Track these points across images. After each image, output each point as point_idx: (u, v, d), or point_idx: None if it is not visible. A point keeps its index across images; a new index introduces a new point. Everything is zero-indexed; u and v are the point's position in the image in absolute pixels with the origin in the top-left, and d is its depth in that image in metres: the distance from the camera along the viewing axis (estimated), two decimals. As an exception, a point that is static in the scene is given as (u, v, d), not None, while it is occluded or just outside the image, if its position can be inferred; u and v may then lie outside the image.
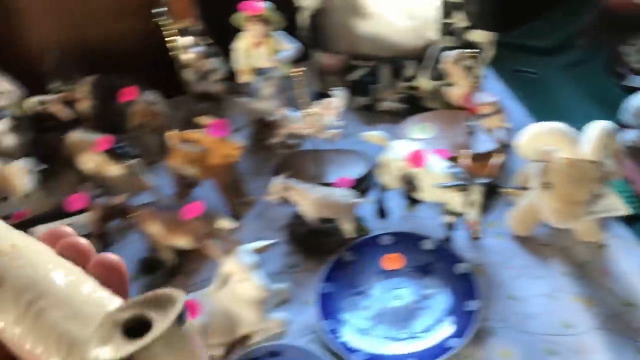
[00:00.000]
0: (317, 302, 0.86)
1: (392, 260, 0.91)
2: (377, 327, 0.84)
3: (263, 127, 1.13)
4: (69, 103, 1.11)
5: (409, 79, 1.14)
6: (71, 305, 0.24)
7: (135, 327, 0.22)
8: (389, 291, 0.88)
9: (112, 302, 0.25)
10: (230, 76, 1.21)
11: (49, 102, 1.09)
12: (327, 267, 0.90)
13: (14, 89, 1.12)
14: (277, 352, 0.82)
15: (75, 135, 1.08)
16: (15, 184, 1.01)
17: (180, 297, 0.22)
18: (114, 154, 1.03)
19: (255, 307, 0.85)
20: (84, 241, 0.29)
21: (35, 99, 1.10)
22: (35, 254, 0.26)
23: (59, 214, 1.01)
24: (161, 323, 0.21)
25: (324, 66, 1.19)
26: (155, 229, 0.92)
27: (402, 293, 0.87)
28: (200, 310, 0.84)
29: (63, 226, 0.30)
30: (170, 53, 1.17)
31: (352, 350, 0.79)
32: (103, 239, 0.99)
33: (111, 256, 0.29)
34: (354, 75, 1.18)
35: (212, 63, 1.19)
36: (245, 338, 0.87)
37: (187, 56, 1.16)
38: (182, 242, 0.91)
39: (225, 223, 0.88)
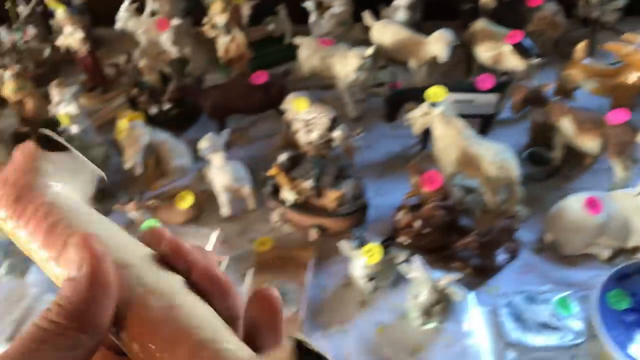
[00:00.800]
0: None
1: None
2: None
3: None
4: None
5: None
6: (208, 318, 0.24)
7: None
8: None
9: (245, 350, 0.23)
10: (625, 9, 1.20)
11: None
12: None
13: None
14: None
15: (481, 24, 1.14)
16: (432, 50, 1.10)
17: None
18: (521, 48, 1.08)
19: (659, 224, 0.86)
20: (226, 277, 0.26)
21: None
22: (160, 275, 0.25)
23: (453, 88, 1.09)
24: None
25: None
26: (566, 124, 0.96)
27: None
28: (601, 208, 0.88)
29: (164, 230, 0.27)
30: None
31: None
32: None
33: (271, 291, 0.26)
34: None
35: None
36: (633, 250, 0.89)
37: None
38: (590, 144, 0.94)
39: (647, 138, 0.89)
